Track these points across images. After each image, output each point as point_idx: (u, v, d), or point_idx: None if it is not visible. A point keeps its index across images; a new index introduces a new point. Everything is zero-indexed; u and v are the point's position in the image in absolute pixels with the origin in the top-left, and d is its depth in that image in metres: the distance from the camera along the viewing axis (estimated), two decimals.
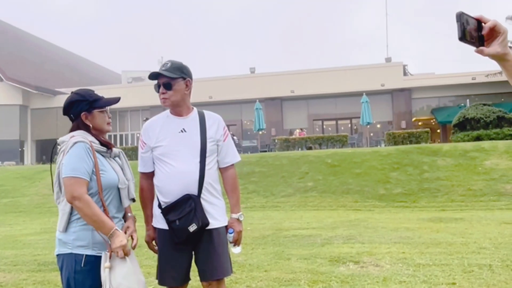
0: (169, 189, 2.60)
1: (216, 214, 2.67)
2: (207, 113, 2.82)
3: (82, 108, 2.41)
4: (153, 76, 2.69)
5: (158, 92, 2.72)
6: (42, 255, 6.07)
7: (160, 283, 2.69)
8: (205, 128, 2.71)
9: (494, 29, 1.33)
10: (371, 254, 5.31)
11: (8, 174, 18.32)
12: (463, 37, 1.30)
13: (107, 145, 2.47)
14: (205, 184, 2.63)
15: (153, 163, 2.72)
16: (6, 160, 28.20)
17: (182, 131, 2.68)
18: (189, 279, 2.71)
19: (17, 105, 32.58)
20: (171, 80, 2.64)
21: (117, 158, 2.57)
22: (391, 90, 28.38)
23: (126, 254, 2.23)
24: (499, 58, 1.35)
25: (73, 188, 2.19)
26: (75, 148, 2.26)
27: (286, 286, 4.27)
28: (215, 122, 2.77)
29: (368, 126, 25.32)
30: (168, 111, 2.78)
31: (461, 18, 1.30)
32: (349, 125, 31.17)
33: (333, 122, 31.42)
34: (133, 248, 2.45)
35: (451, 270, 4.49)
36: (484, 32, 1.34)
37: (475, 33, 1.34)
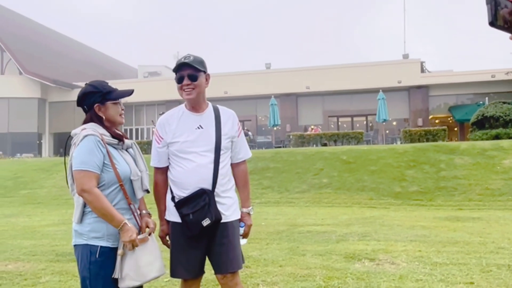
0: (185, 183, 2.63)
1: (230, 208, 2.70)
2: (222, 109, 2.84)
3: (96, 99, 2.42)
4: (180, 66, 2.66)
5: (180, 83, 2.68)
6: (60, 245, 6.17)
7: (173, 275, 2.69)
8: (220, 125, 2.73)
9: None
10: (386, 252, 5.27)
11: (27, 166, 18.64)
12: (494, 22, 1.16)
13: (119, 137, 2.48)
14: (219, 180, 2.66)
15: (168, 158, 2.74)
16: (24, 152, 28.69)
17: (199, 127, 2.70)
18: (203, 272, 2.72)
19: (35, 98, 33.12)
20: (197, 72, 2.64)
21: (130, 150, 2.59)
22: (408, 87, 28.09)
23: (135, 245, 2.27)
24: None
25: (83, 181, 2.22)
26: (85, 142, 2.28)
27: (301, 282, 4.26)
28: (229, 118, 2.80)
29: (384, 123, 25.07)
30: (183, 106, 2.79)
31: (491, 0, 1.15)
32: (365, 122, 30.95)
33: (349, 119, 31.24)
34: (149, 234, 2.49)
35: (469, 269, 4.43)
36: None
37: (510, 17, 1.18)
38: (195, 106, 2.72)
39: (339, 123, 31.37)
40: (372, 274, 4.36)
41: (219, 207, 2.62)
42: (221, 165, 2.68)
